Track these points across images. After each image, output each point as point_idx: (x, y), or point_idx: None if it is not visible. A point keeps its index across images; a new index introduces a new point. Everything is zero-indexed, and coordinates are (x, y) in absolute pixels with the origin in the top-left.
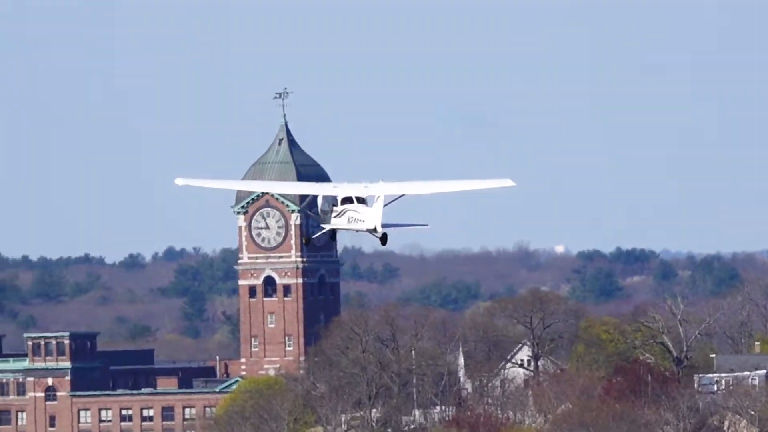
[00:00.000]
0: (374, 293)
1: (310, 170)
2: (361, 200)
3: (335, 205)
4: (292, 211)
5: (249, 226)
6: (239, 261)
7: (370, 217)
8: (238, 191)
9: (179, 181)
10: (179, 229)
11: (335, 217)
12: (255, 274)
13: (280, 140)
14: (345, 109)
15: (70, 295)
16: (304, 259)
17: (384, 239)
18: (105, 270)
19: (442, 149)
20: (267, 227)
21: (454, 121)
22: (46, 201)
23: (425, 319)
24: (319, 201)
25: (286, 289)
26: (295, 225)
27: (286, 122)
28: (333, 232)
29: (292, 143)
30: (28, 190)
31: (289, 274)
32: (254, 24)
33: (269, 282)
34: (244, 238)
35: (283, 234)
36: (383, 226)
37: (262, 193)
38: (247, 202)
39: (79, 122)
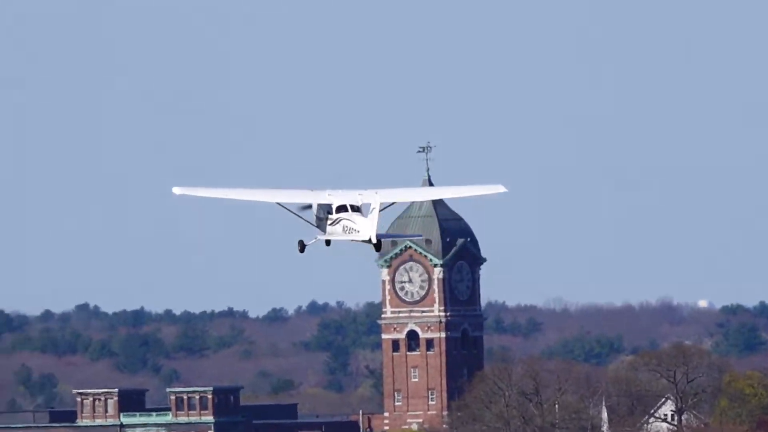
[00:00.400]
0: (518, 347)
1: (452, 224)
2: (356, 209)
3: (330, 212)
4: (435, 265)
5: (392, 280)
6: (382, 315)
7: (366, 227)
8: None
9: (176, 190)
10: (322, 283)
11: (330, 224)
12: (398, 328)
13: None
14: (487, 162)
15: (213, 349)
16: (448, 314)
17: (378, 245)
18: (248, 324)
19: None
20: (410, 281)
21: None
22: (189, 256)
23: (568, 373)
24: (314, 208)
25: (430, 343)
26: (438, 279)
27: (429, 176)
28: (327, 241)
29: None
30: (170, 244)
31: (432, 328)
32: (397, 79)
33: (412, 336)
34: (387, 292)
35: (426, 288)
36: (378, 236)
37: (406, 247)
38: (391, 257)
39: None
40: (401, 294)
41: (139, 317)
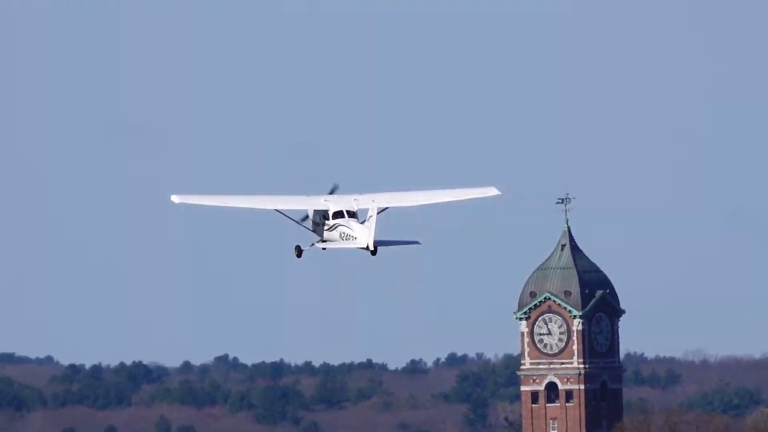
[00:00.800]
0: (656, 399)
1: (592, 276)
2: (352, 214)
3: (326, 218)
4: (574, 316)
5: (531, 332)
6: (521, 367)
7: (363, 234)
8: (521, 297)
9: (175, 198)
10: (461, 335)
11: (327, 230)
12: (537, 380)
13: (563, 246)
14: (626, 214)
15: (353, 401)
16: (587, 365)
17: (374, 252)
18: (387, 376)
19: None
20: (549, 333)
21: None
22: (328, 307)
23: (707, 425)
24: (310, 213)
25: (569, 395)
26: (577, 331)
27: (569, 227)
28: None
29: (575, 248)
30: (309, 296)
31: (571, 380)
32: (535, 132)
33: (551, 388)
34: (526, 344)
35: (565, 340)
36: (376, 243)
37: (544, 299)
38: (530, 308)
39: None
40: (540, 346)
41: (278, 369)
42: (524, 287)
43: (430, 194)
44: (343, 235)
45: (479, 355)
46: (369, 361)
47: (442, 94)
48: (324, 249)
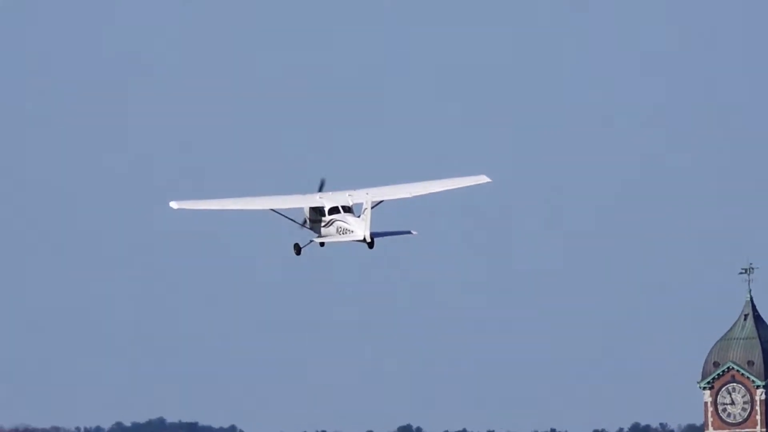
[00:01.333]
0: None
1: None
2: (348, 209)
3: (323, 214)
4: (758, 386)
5: (714, 401)
6: None
7: (359, 227)
8: (704, 367)
9: (173, 204)
10: (644, 405)
11: (324, 227)
12: None
13: (746, 315)
14: None
15: None
16: None
17: (371, 244)
18: None
19: None
20: (732, 403)
21: None
22: (509, 374)
23: None
24: (306, 211)
25: None
26: (760, 401)
27: (751, 297)
28: (322, 243)
29: (758, 318)
30: (490, 363)
31: None
32: (719, 201)
33: None
34: (709, 414)
35: (748, 410)
36: (372, 234)
37: (727, 368)
38: (713, 378)
39: None
40: (723, 415)
41: None
42: (707, 357)
43: (423, 185)
44: (340, 229)
45: (663, 425)
46: (552, 429)
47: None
48: (322, 244)
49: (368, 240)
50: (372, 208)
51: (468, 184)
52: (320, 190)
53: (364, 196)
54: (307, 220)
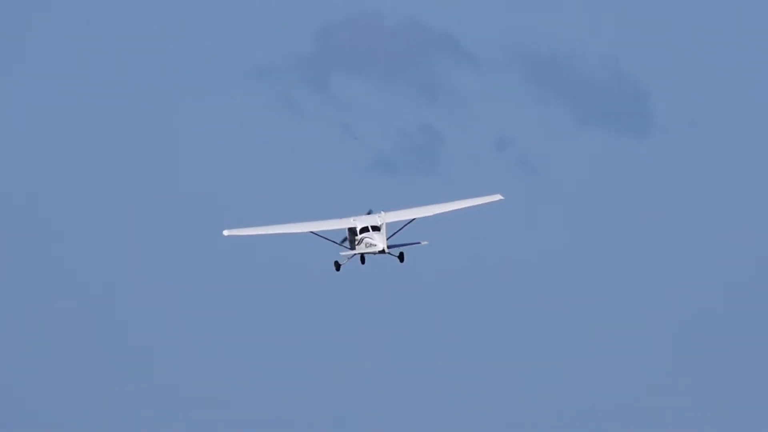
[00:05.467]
0: None
1: None
2: (376, 228)
3: (356, 234)
4: None
5: None
6: None
7: (380, 241)
8: None
9: (226, 232)
10: None
11: (357, 244)
12: None
13: None
14: None
15: None
16: None
17: (401, 258)
18: None
19: None
20: None
21: None
22: None
23: None
24: (347, 233)
25: None
26: None
27: None
28: (362, 256)
29: None
30: None
31: None
32: None
33: None
34: None
35: None
36: (389, 246)
37: None
38: None
39: None
40: None
41: None
42: None
43: (443, 205)
44: (367, 244)
45: None
46: None
47: None
48: (361, 258)
49: (386, 251)
50: (405, 226)
51: (481, 203)
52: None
53: (383, 216)
54: (346, 239)
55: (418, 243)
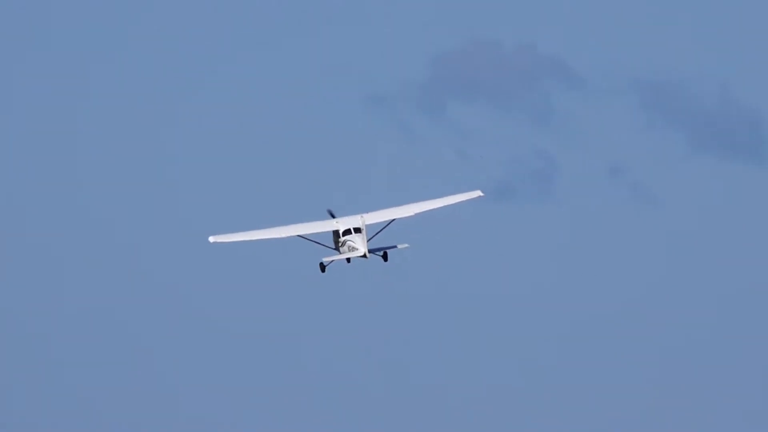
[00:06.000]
0: None
1: None
2: (357, 230)
3: (339, 236)
4: None
5: None
6: None
7: (361, 245)
8: None
9: (212, 239)
10: None
11: (341, 246)
12: None
13: None
14: None
15: None
16: None
17: (385, 257)
18: None
19: None
20: None
21: None
22: None
23: None
24: (332, 235)
25: None
26: None
27: None
28: (348, 259)
29: None
30: None
31: None
32: None
33: None
34: None
35: None
36: (370, 251)
37: None
38: None
39: None
40: None
41: None
42: None
43: (423, 204)
44: (350, 248)
45: None
46: None
47: None
48: (347, 259)
49: (367, 256)
50: (385, 227)
51: (462, 200)
52: (332, 217)
53: (360, 219)
54: (333, 242)
55: (395, 247)
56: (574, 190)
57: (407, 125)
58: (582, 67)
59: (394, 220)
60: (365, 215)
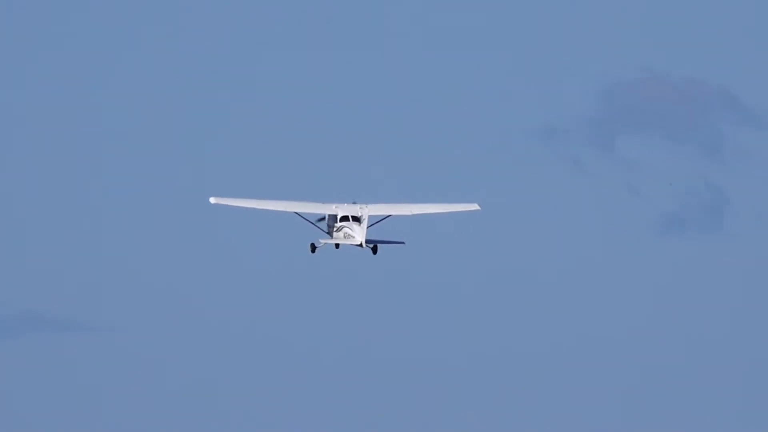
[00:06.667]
0: None
1: None
2: (356, 219)
3: (336, 221)
4: None
5: None
6: None
7: (359, 234)
8: None
9: (212, 200)
10: None
11: (335, 231)
12: None
13: None
14: None
15: None
16: None
17: (375, 250)
18: None
19: None
20: None
21: None
22: None
23: None
24: (326, 218)
25: None
26: None
27: None
28: (336, 245)
29: None
30: None
31: None
32: None
33: None
34: None
35: None
36: (367, 241)
37: None
38: None
39: None
40: None
41: None
42: None
43: (422, 206)
44: (346, 234)
45: None
46: None
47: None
48: (337, 246)
49: (364, 245)
50: (380, 221)
51: (459, 210)
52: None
53: (364, 210)
54: (324, 221)
55: (402, 243)
56: (745, 223)
57: (577, 157)
58: (752, 100)
59: (390, 215)
60: (367, 206)
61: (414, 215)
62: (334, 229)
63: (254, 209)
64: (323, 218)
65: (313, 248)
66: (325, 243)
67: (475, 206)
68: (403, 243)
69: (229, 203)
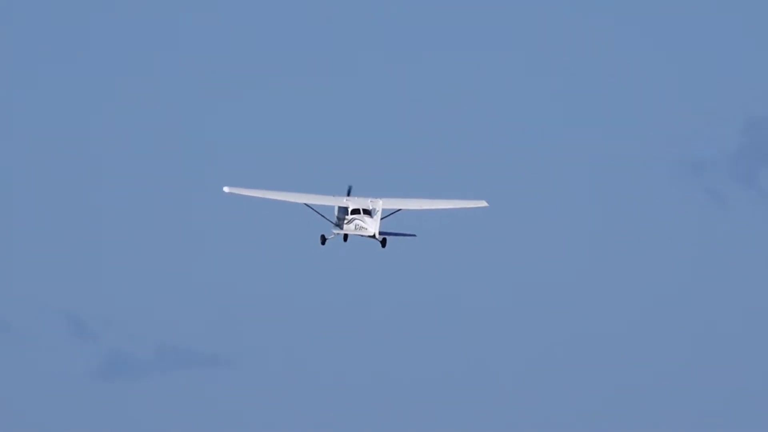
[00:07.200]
0: None
1: None
2: (367, 212)
3: (347, 214)
4: None
5: None
6: None
7: (372, 225)
8: None
9: (226, 189)
10: None
11: (346, 223)
12: None
13: None
14: None
15: None
16: None
17: (383, 243)
18: None
19: None
20: None
21: None
22: None
23: None
24: (336, 210)
25: None
26: None
27: None
28: (345, 236)
29: None
30: None
31: None
32: None
33: None
34: None
35: None
36: (380, 233)
37: None
38: None
39: None
40: None
41: None
42: None
43: (430, 201)
44: (357, 226)
45: None
46: None
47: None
48: (344, 236)
49: (377, 237)
50: (391, 214)
51: (467, 206)
52: (348, 194)
53: (379, 203)
54: (335, 216)
55: (414, 236)
56: None
57: (719, 192)
58: None
59: (400, 210)
60: (378, 200)
61: (423, 210)
62: (345, 221)
63: (266, 199)
64: (338, 220)
65: (324, 240)
66: (336, 234)
67: (482, 203)
68: (414, 236)
69: (242, 193)
